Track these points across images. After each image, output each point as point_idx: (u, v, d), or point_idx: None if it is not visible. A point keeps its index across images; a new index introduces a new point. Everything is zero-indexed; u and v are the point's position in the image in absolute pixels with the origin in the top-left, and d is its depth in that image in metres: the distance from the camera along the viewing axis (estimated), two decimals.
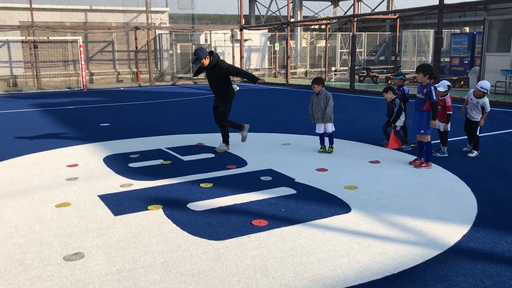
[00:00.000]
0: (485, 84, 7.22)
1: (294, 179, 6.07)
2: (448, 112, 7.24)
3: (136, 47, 24.17)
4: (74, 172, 6.63)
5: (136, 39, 24.06)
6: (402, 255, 3.85)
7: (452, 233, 4.30)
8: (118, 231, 4.43)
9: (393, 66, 22.63)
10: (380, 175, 6.23)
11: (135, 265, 3.73)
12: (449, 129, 7.33)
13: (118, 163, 7.09)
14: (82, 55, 21.08)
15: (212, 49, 25.69)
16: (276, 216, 4.76)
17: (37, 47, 21.32)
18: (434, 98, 6.45)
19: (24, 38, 21.39)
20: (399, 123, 7.85)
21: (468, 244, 4.06)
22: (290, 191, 5.60)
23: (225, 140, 7.90)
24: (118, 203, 5.23)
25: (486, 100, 7.25)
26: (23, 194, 5.63)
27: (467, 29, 26.14)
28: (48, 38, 21.07)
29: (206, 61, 7.44)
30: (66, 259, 3.85)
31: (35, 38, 20.80)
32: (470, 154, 7.20)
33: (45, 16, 22.26)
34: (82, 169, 6.79)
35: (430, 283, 3.40)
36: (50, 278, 3.54)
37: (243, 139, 8.06)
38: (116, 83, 24.18)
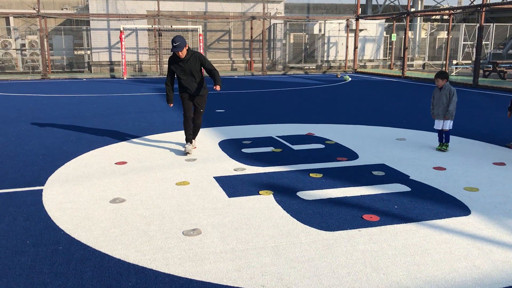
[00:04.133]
0: None
1: (409, 176, 5.85)
2: None
3: (251, 37, 24.78)
4: (192, 153, 7.03)
5: (251, 28, 24.67)
6: None
7: None
8: (232, 212, 4.63)
9: None
10: (505, 178, 5.76)
11: (247, 246, 3.89)
12: None
13: (232, 148, 7.38)
14: (201, 43, 22.13)
15: (326, 39, 25.52)
16: (388, 213, 4.64)
17: (161, 35, 22.82)
18: None
19: (150, 26, 23.01)
20: None
21: None
22: (404, 188, 5.40)
23: (189, 140, 7.11)
24: (232, 186, 5.46)
25: None
26: (148, 170, 6.12)
27: None
28: (171, 26, 22.43)
29: (184, 52, 6.61)
30: (185, 234, 4.13)
31: (160, 26, 22.27)
32: None
33: (169, 6, 23.70)
34: (199, 151, 7.18)
35: None
36: (171, 250, 3.82)
37: (186, 152, 6.95)
38: (231, 71, 25.04)
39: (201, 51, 22.09)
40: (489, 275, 3.41)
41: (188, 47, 6.72)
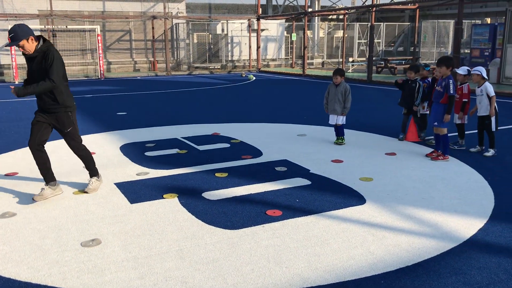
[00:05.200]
0: (478, 67, 6.97)
1: (309, 170, 6.07)
2: (463, 100, 6.99)
3: (153, 36, 24.25)
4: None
5: (153, 28, 24.14)
6: (417, 248, 3.83)
7: (467, 226, 4.27)
8: (134, 219, 4.49)
9: (411, 57, 22.34)
10: (396, 167, 6.19)
11: (150, 252, 3.79)
12: (466, 122, 7.19)
13: (135, 152, 7.16)
14: (100, 44, 21.23)
15: (229, 39, 25.70)
16: (290, 207, 4.78)
17: (56, 36, 21.54)
18: (452, 91, 6.37)
19: (43, 27, 21.60)
20: (421, 108, 7.64)
21: (483, 238, 4.03)
22: (305, 182, 5.60)
23: (93, 171, 5.34)
24: (134, 191, 5.30)
25: (487, 84, 6.87)
26: (42, 181, 5.72)
27: (488, 20, 25.64)
28: (66, 27, 21.26)
29: (29, 46, 4.73)
30: (83, 245, 3.92)
31: (53, 27, 21.00)
32: (486, 154, 6.80)
33: (63, 5, 22.44)
34: (99, 157, 6.87)
35: (444, 276, 3.38)
36: (68, 263, 3.61)
37: (89, 190, 5.24)
38: (133, 72, 24.32)
39: (100, 51, 21.20)
40: (382, 260, 3.64)
41: (43, 40, 4.84)
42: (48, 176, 5.03)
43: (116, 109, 11.69)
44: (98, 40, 21.15)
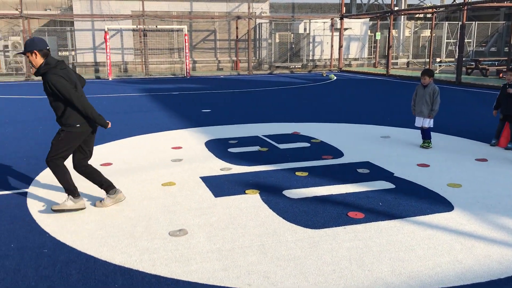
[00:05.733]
0: None
1: (393, 173, 5.92)
2: None
3: (237, 36, 24.78)
4: (178, 154, 7.02)
5: (237, 28, 24.67)
6: (510, 260, 3.61)
7: None
8: (218, 212, 4.65)
9: (506, 58, 20.90)
10: (487, 174, 5.86)
11: (233, 245, 3.90)
12: None
13: (218, 148, 7.39)
14: (187, 44, 22.06)
15: (311, 38, 25.60)
16: (373, 210, 4.69)
17: (146, 35, 22.71)
18: None
19: (135, 26, 22.86)
20: None
21: None
22: (389, 185, 5.47)
23: (105, 185, 4.85)
24: (218, 185, 5.47)
25: None
26: (134, 171, 6.10)
27: None
28: (156, 26, 22.33)
29: (33, 60, 4.43)
30: (171, 234, 4.13)
31: (145, 27, 22.15)
32: None
33: (154, 6, 23.58)
34: (185, 151, 7.17)
35: None
36: (157, 251, 3.82)
37: (101, 204, 4.83)
38: (217, 71, 25.01)
39: (187, 51, 22.03)
40: (471, 269, 3.48)
41: (50, 57, 4.46)
42: (101, 184, 4.85)
43: (201, 107, 12.10)
44: (185, 39, 22.00)
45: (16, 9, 20.71)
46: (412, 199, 4.97)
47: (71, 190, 4.67)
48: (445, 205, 4.80)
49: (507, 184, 5.45)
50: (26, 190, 5.39)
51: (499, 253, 3.73)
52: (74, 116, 4.50)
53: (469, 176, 5.77)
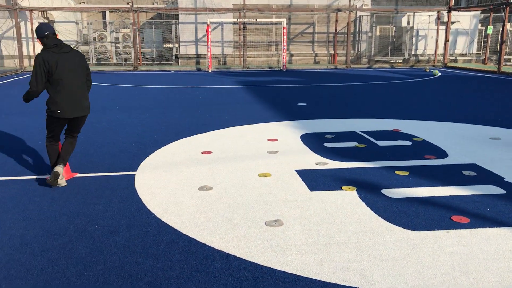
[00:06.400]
0: None
1: (504, 178, 5.49)
2: None
3: (336, 29, 24.40)
4: (274, 146, 7.11)
5: (336, 21, 24.30)
6: None
7: None
8: (313, 206, 4.63)
9: None
10: None
11: (329, 240, 3.87)
12: None
13: (314, 142, 7.35)
14: (285, 37, 22.18)
15: (414, 32, 24.45)
16: (480, 215, 4.39)
17: (246, 28, 23.18)
18: None
19: (235, 20, 23.44)
20: None
21: None
22: (498, 190, 5.08)
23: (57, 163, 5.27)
24: (314, 180, 5.45)
25: None
26: (231, 161, 6.28)
27: None
28: (256, 20, 22.70)
29: (41, 45, 5.11)
30: (267, 224, 4.20)
31: (245, 20, 22.62)
32: None
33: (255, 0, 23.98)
34: (281, 144, 7.24)
35: None
36: (254, 239, 3.90)
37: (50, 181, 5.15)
38: (313, 64, 24.87)
39: (284, 44, 22.15)
40: None
41: (49, 39, 5.03)
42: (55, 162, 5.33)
43: (297, 100, 12.12)
44: (283, 32, 22.12)
45: (127, 3, 22.18)
46: None
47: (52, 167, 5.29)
48: None
49: None
50: (134, 172, 5.78)
51: None
52: (50, 100, 5.09)
53: None
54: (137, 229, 4.12)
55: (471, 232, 4.02)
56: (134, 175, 5.68)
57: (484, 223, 4.21)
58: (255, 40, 24.46)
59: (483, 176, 5.59)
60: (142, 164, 6.14)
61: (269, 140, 7.51)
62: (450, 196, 4.92)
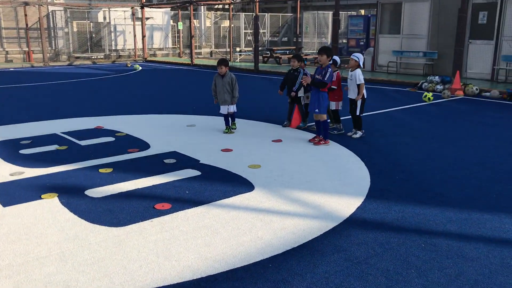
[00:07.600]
0: (358, 54, 7.45)
1: (199, 161, 6.04)
2: (332, 86, 7.20)
3: (27, 25, 22.32)
4: None
5: (25, 15, 22.20)
6: (301, 229, 4.01)
7: (347, 205, 4.56)
8: (7, 223, 4.11)
9: (295, 48, 23.22)
10: (282, 153, 6.41)
11: (27, 258, 3.49)
12: (340, 108, 7.63)
13: (7, 150, 6.56)
14: None
15: (112, 27, 24.54)
16: (180, 199, 4.71)
17: None
18: (326, 79, 6.69)
19: None
20: (301, 93, 7.94)
21: (361, 215, 4.33)
22: (195, 172, 5.56)
23: None
24: (8, 193, 4.85)
25: (357, 71, 7.19)
26: None
27: (362, 12, 27.52)
28: None
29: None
30: None
31: None
32: (353, 135, 7.31)
33: None
34: None
35: (327, 254, 3.58)
36: None
37: None
38: (5, 63, 22.23)
39: None
40: (270, 244, 3.75)
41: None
42: None
43: None
44: None
45: None
46: (216, 184, 5.15)
47: None
48: (246, 186, 5.10)
49: (297, 161, 6.05)
50: None
51: (293, 224, 4.11)
52: None
53: (267, 157, 6.23)
54: None
55: (172, 217, 4.27)
56: None
57: (183, 206, 4.53)
58: None
59: (182, 161, 6.03)
60: None
61: None
62: (153, 185, 5.12)
